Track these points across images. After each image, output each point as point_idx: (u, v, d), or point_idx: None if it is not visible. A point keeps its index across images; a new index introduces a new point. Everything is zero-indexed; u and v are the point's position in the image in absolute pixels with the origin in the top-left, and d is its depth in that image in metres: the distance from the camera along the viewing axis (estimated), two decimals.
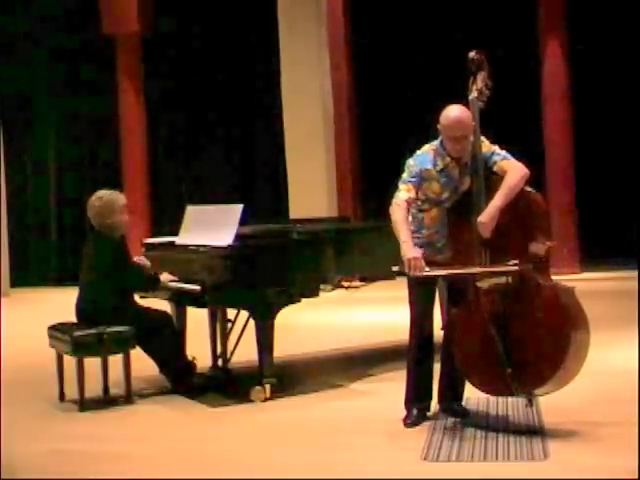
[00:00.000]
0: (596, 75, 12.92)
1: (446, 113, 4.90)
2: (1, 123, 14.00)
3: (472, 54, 5.09)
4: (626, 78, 12.64)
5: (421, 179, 4.94)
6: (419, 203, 5.01)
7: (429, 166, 4.95)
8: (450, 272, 4.91)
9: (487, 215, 4.78)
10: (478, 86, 5.04)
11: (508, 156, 4.95)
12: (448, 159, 4.95)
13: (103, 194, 6.23)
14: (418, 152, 5.03)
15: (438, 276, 4.94)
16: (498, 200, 4.79)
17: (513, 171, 4.86)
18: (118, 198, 6.23)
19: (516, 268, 4.72)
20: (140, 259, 6.38)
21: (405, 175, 4.97)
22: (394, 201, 4.94)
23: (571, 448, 4.54)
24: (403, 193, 4.93)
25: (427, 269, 4.76)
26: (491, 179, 4.89)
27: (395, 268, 4.87)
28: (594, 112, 12.91)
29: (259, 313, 5.91)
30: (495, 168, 4.89)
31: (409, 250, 4.76)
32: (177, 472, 4.53)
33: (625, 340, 7.16)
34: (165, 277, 6.14)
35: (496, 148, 4.98)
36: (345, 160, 13.72)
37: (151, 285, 6.22)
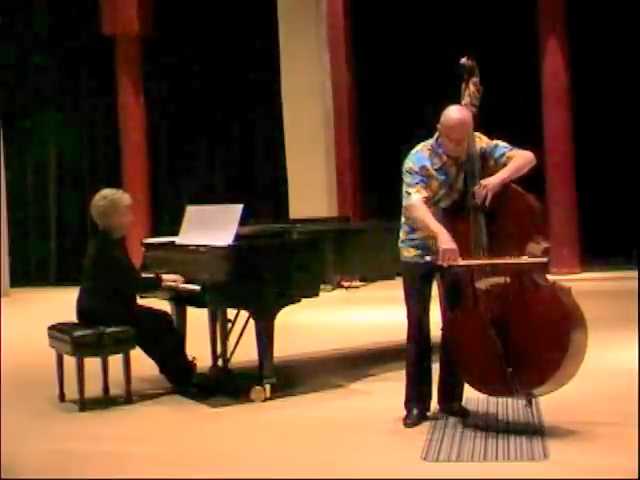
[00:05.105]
0: (596, 75, 12.92)
1: (448, 114, 4.88)
2: (1, 123, 14.00)
3: (463, 60, 5.11)
4: (626, 78, 12.63)
5: (425, 177, 4.91)
6: None
7: (427, 164, 4.94)
8: (482, 262, 4.84)
9: (488, 181, 4.80)
10: (470, 91, 5.06)
11: (513, 147, 4.98)
12: (445, 158, 4.94)
13: (108, 193, 6.18)
14: (412, 152, 5.00)
15: (471, 266, 4.83)
16: (503, 174, 4.82)
17: (521, 154, 4.92)
18: (123, 199, 6.18)
19: (545, 260, 4.77)
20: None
21: (409, 179, 4.91)
22: (409, 204, 4.88)
23: (571, 448, 4.55)
24: (415, 195, 4.86)
25: (460, 260, 4.73)
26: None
27: (428, 258, 4.83)
28: (594, 112, 12.91)
29: (259, 313, 5.91)
30: (504, 159, 4.90)
31: (446, 241, 4.70)
32: (177, 472, 4.54)
33: (625, 340, 7.16)
34: (167, 277, 6.12)
35: (498, 141, 4.99)
36: (345, 160, 13.72)
37: (151, 288, 6.20)
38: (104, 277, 6.00)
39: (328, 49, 13.50)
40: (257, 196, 14.19)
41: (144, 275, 6.32)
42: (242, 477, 4.43)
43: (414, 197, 4.87)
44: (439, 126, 4.92)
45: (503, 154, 4.92)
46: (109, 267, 6.01)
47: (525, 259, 4.76)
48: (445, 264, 4.73)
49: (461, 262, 4.74)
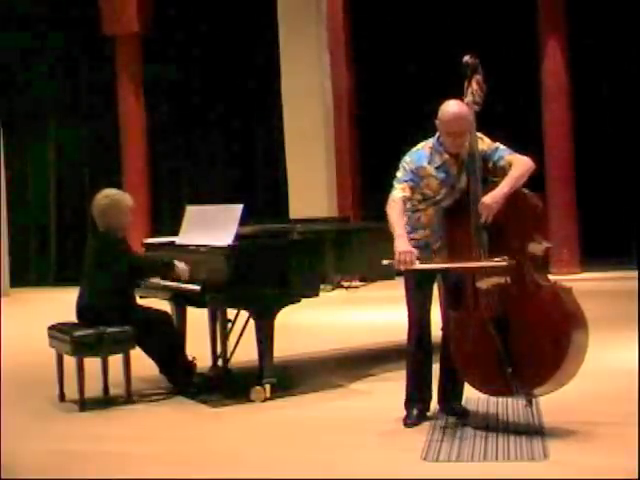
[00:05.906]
0: (596, 75, 12.92)
1: (444, 108, 4.89)
2: (1, 124, 14.00)
3: (466, 58, 5.10)
4: (626, 77, 12.64)
5: (417, 177, 4.92)
6: (415, 203, 4.99)
7: (425, 163, 4.94)
8: (437, 266, 4.89)
9: (491, 197, 4.78)
10: (473, 89, 5.05)
11: (513, 152, 4.96)
12: (446, 156, 4.94)
13: (109, 193, 6.19)
14: (413, 149, 5.02)
15: (427, 270, 4.88)
16: (505, 187, 4.80)
17: (520, 162, 4.89)
18: (124, 198, 6.19)
19: (505, 263, 4.71)
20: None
21: (400, 174, 4.95)
22: (390, 199, 4.93)
23: (571, 448, 4.54)
24: (398, 192, 4.91)
25: (417, 263, 4.73)
26: (487, 181, 4.90)
27: (386, 262, 4.82)
28: (594, 111, 12.91)
29: (259, 313, 5.91)
30: (502, 163, 4.89)
31: (401, 244, 4.73)
32: (177, 472, 4.53)
33: (625, 340, 7.16)
34: (179, 264, 6.00)
35: (499, 144, 4.98)
36: (345, 160, 13.73)
37: (163, 267, 6.13)
38: (105, 276, 5.99)
39: (328, 50, 13.51)
40: (257, 196, 14.20)
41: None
42: (242, 477, 4.43)
43: (396, 193, 4.90)
44: (437, 121, 4.92)
45: (502, 157, 4.92)
46: (111, 264, 6.00)
47: (489, 261, 4.74)
48: (402, 268, 4.73)
49: (417, 266, 4.74)
